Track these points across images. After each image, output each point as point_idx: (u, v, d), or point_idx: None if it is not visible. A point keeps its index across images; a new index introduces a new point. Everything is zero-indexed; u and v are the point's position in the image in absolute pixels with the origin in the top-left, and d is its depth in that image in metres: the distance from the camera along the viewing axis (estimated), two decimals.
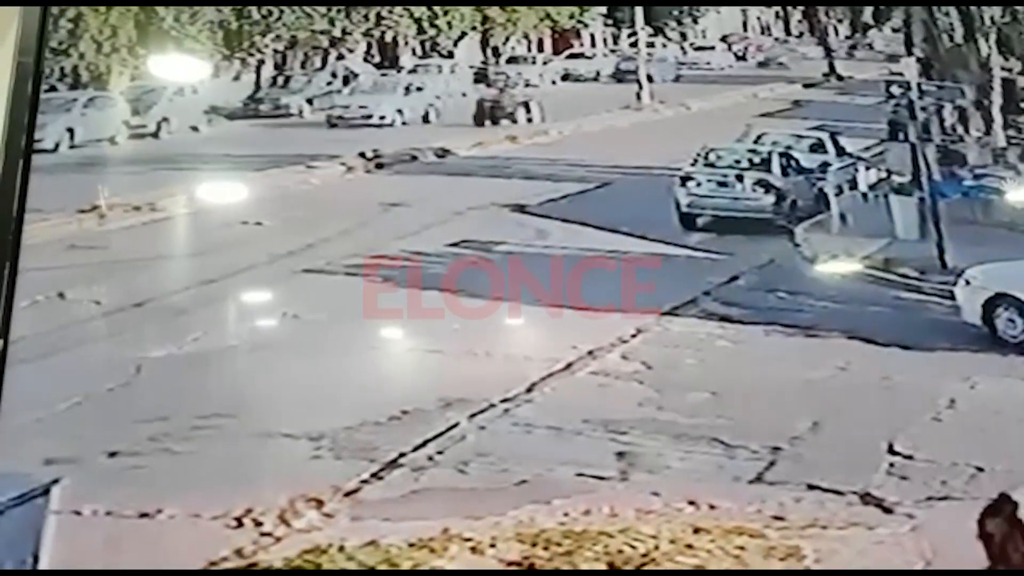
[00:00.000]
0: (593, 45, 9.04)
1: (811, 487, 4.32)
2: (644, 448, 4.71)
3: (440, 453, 4.66)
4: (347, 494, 4.33)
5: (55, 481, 4.66)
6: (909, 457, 4.65)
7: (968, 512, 4.17)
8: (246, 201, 6.64)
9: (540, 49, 9.07)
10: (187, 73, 7.71)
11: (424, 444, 4.71)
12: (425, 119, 7.51)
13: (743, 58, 8.34)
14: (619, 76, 8.25)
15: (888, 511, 4.18)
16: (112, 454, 4.69)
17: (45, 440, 4.75)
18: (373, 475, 4.47)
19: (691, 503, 4.16)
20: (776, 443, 4.73)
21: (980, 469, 4.49)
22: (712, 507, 4.12)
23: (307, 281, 6.18)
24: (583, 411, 5.03)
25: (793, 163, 6.60)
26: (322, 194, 6.89)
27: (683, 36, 8.33)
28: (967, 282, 5.53)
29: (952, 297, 5.63)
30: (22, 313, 5.18)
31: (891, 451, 4.69)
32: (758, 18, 8.58)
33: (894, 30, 8.39)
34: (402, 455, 4.61)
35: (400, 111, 7.51)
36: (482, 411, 5.03)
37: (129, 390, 5.35)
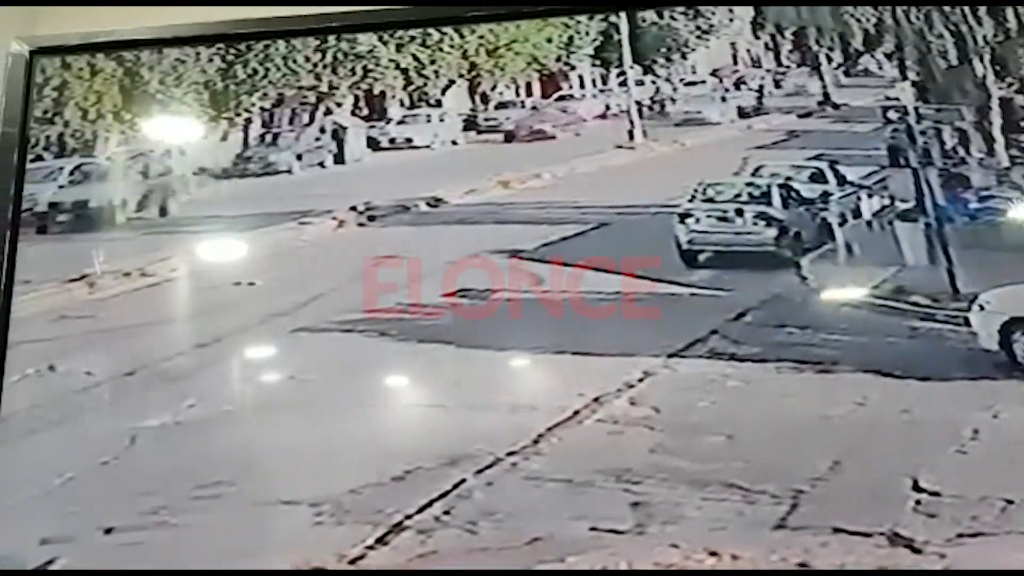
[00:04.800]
0: (582, 86, 8.96)
1: (836, 530, 4.17)
2: (660, 497, 4.55)
3: (447, 513, 4.51)
4: (351, 561, 4.19)
5: (50, 562, 4.55)
6: (935, 493, 4.50)
7: (1001, 548, 4.01)
8: (238, 261, 6.55)
9: (529, 93, 9.01)
10: (174, 136, 7.66)
11: (430, 504, 4.56)
12: None
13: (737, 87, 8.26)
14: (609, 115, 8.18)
15: (918, 551, 4.02)
16: (108, 530, 4.57)
17: (39, 519, 4.64)
18: (378, 540, 4.33)
19: (713, 554, 4.01)
20: (797, 485, 4.58)
21: (1010, 502, 4.33)
22: (735, 557, 3.97)
23: (302, 340, 6.06)
24: (594, 461, 4.88)
25: (794, 194, 6.48)
26: (314, 250, 6.81)
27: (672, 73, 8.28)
28: (981, 307, 5.38)
29: (967, 324, 5.50)
30: (13, 388, 5.09)
31: (916, 487, 4.54)
32: (748, 51, 8.50)
33: (887, 55, 8.30)
34: (407, 517, 4.47)
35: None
36: (488, 466, 4.89)
37: (124, 462, 5.23)
